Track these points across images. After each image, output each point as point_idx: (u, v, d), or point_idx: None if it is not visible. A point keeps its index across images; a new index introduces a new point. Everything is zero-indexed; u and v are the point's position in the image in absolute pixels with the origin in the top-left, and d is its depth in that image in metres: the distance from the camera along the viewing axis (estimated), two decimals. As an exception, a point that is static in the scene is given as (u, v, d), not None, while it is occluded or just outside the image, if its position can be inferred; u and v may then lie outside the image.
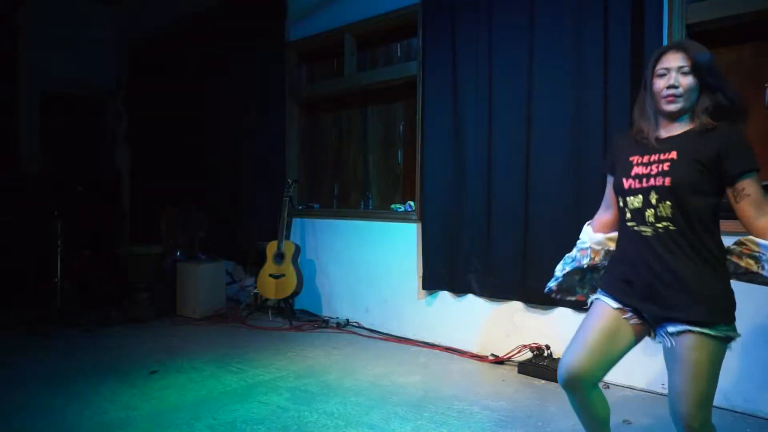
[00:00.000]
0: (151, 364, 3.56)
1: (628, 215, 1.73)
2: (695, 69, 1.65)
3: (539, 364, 3.32)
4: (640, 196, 1.69)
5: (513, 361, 3.53)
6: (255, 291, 5.03)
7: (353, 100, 5.00)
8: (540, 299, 3.50)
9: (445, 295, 4.04)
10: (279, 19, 5.16)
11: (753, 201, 1.60)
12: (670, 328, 1.64)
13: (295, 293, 4.69)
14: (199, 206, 5.65)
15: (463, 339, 3.91)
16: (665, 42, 2.99)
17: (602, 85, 3.18)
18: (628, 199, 1.72)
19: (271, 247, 4.74)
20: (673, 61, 1.67)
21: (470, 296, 3.87)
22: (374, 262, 4.52)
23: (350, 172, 5.10)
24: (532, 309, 3.58)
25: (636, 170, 1.72)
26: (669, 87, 1.67)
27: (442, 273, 3.97)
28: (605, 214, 1.98)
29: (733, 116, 1.68)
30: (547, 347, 3.44)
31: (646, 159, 1.72)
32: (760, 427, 2.66)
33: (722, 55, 3.09)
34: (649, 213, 1.67)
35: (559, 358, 3.35)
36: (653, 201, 1.66)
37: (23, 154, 6.04)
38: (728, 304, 1.64)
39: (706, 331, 1.58)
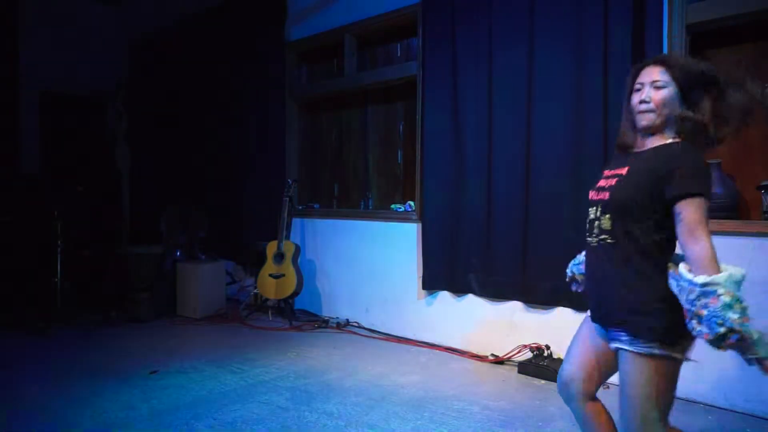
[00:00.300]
0: (151, 364, 3.56)
1: (587, 225, 1.74)
2: (677, 82, 1.62)
3: (539, 364, 3.32)
4: (594, 208, 1.72)
5: (513, 361, 3.53)
6: (255, 291, 5.03)
7: (353, 100, 5.00)
8: (540, 299, 3.50)
9: (445, 295, 4.04)
10: (279, 19, 5.16)
11: (684, 226, 1.52)
12: (610, 344, 1.66)
13: (295, 293, 4.69)
14: (199, 206, 5.65)
15: (463, 339, 3.91)
16: (665, 42, 2.99)
17: (602, 86, 3.18)
18: (589, 209, 1.75)
19: (271, 247, 4.74)
20: (648, 75, 1.66)
21: (470, 296, 3.87)
22: (374, 262, 4.52)
23: (350, 172, 5.10)
24: (532, 309, 3.58)
25: (599, 183, 1.75)
26: (641, 102, 1.65)
27: (442, 273, 3.97)
28: None
29: (698, 134, 1.63)
30: (547, 347, 3.44)
31: (609, 173, 1.74)
32: (760, 427, 2.66)
33: (722, 55, 3.09)
34: (596, 225, 1.69)
35: (559, 358, 3.37)
36: (598, 214, 1.69)
37: (23, 154, 6.04)
38: (654, 320, 1.54)
39: (626, 347, 1.58)
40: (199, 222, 5.57)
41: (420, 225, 4.12)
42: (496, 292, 3.71)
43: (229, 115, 5.61)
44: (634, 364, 1.57)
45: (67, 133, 6.45)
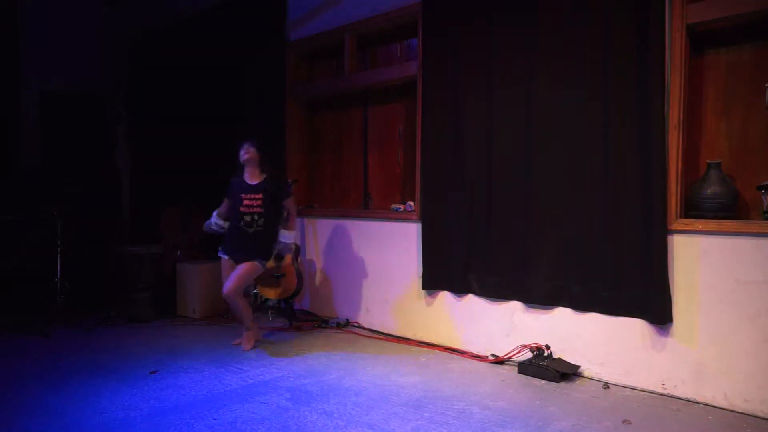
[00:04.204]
0: (151, 364, 3.56)
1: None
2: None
3: (539, 364, 3.32)
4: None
5: (513, 361, 3.53)
6: (255, 291, 5.03)
7: (353, 100, 5.00)
8: (540, 299, 3.50)
9: (445, 295, 4.04)
10: (279, 19, 5.16)
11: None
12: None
13: (295, 293, 4.68)
14: (200, 206, 5.64)
15: (462, 339, 3.91)
16: (666, 42, 2.99)
17: (603, 85, 3.18)
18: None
19: (271, 247, 4.73)
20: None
21: (470, 296, 3.87)
22: (374, 262, 4.52)
23: (350, 172, 5.10)
24: (532, 309, 3.58)
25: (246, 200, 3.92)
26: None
27: (442, 273, 3.97)
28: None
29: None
30: (547, 347, 3.43)
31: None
32: (760, 427, 2.65)
33: (722, 55, 3.09)
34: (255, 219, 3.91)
35: (559, 358, 3.37)
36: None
37: (23, 154, 6.04)
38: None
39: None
40: (199, 222, 5.56)
41: (420, 225, 4.12)
42: (496, 292, 3.71)
43: (229, 114, 5.60)
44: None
45: (67, 133, 6.45)
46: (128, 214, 6.83)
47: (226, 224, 4.05)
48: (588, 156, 3.26)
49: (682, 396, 2.98)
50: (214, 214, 4.11)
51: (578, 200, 3.30)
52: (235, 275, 3.81)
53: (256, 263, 3.88)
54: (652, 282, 3.02)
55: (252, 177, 3.97)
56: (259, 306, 5.02)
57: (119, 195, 6.79)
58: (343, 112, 5.13)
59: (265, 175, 3.99)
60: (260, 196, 3.89)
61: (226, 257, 3.96)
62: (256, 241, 3.92)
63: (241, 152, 3.96)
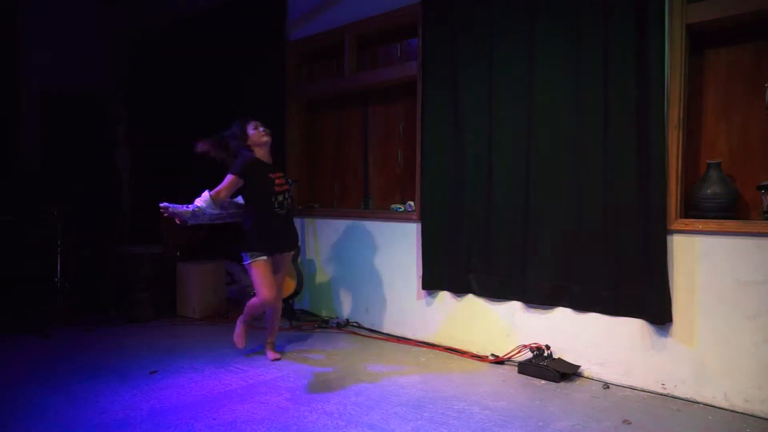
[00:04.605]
0: (151, 364, 3.56)
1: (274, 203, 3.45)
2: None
3: (539, 364, 3.32)
4: (281, 195, 3.47)
5: (513, 361, 3.53)
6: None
7: (353, 100, 5.00)
8: (540, 299, 3.50)
9: (445, 295, 4.04)
10: (279, 19, 5.16)
11: None
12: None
13: (296, 293, 4.69)
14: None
15: (463, 339, 3.91)
16: (666, 42, 2.99)
17: (603, 85, 3.18)
18: (276, 196, 3.45)
19: (271, 247, 4.73)
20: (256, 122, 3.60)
21: (470, 296, 3.87)
22: (374, 261, 4.52)
23: (350, 172, 5.10)
24: (532, 309, 3.58)
25: (278, 182, 3.48)
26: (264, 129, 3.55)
27: (442, 273, 3.97)
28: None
29: None
30: (547, 347, 3.43)
31: (276, 175, 3.50)
32: (760, 427, 2.65)
33: (722, 55, 3.09)
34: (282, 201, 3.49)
35: (559, 358, 3.37)
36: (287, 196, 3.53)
37: (23, 154, 6.04)
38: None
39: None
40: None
41: (420, 225, 4.12)
42: (496, 292, 3.71)
43: (229, 114, 5.57)
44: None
45: (68, 133, 6.45)
46: (128, 214, 6.83)
47: (222, 213, 3.59)
48: (588, 156, 3.26)
49: (682, 396, 2.98)
50: (205, 197, 3.45)
51: (578, 200, 3.30)
52: (280, 281, 3.67)
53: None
54: (651, 282, 3.02)
55: (266, 157, 3.57)
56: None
57: (119, 195, 6.79)
58: (343, 112, 5.13)
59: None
60: (280, 174, 3.57)
61: (265, 257, 3.44)
62: (290, 223, 3.68)
63: (261, 130, 3.54)
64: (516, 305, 3.65)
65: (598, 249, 3.23)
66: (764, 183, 2.84)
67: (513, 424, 2.66)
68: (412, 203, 4.36)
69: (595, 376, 3.29)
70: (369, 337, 4.32)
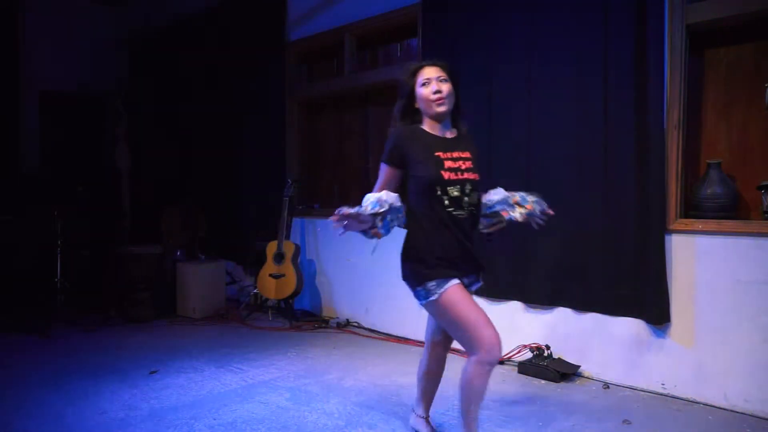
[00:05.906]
0: (151, 364, 3.56)
1: (450, 202, 2.09)
2: (451, 77, 2.10)
3: (539, 364, 3.32)
4: (459, 186, 2.08)
5: (513, 361, 3.53)
6: (255, 291, 5.03)
7: (353, 100, 4.99)
8: (540, 299, 3.50)
9: (445, 295, 4.03)
10: (279, 19, 5.16)
11: None
12: (473, 287, 2.41)
13: (295, 293, 4.69)
14: (199, 206, 5.65)
15: (463, 339, 3.90)
16: (666, 42, 2.99)
17: (603, 85, 3.18)
18: (450, 188, 2.07)
19: (271, 247, 4.73)
20: (431, 73, 2.09)
21: (470, 296, 3.87)
22: (374, 261, 4.51)
23: (350, 172, 5.10)
24: (532, 309, 3.58)
25: (448, 164, 2.07)
26: (435, 92, 2.05)
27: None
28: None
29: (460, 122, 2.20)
30: (547, 347, 3.43)
31: (452, 155, 2.10)
32: (760, 427, 2.66)
33: (722, 55, 3.09)
34: (465, 200, 2.11)
35: (559, 358, 3.37)
36: (467, 191, 2.11)
37: (23, 154, 6.04)
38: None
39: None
40: (199, 222, 5.57)
41: (420, 225, 4.11)
42: (496, 292, 3.71)
43: (229, 114, 5.60)
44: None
45: (67, 133, 6.45)
46: (128, 214, 6.82)
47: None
48: (588, 156, 3.26)
49: (682, 396, 2.98)
50: (393, 196, 2.37)
51: (578, 200, 3.30)
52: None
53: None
54: (650, 282, 3.02)
55: (442, 130, 2.19)
56: (260, 306, 5.03)
57: (119, 195, 6.78)
58: (343, 113, 5.13)
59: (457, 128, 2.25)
60: (468, 155, 2.17)
61: (457, 280, 2.17)
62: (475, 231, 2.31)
63: (432, 89, 2.10)
64: (516, 305, 3.65)
65: (598, 249, 3.23)
66: (764, 183, 2.84)
67: (513, 424, 2.66)
68: (412, 203, 4.35)
69: (595, 376, 3.29)
70: (369, 337, 4.32)
